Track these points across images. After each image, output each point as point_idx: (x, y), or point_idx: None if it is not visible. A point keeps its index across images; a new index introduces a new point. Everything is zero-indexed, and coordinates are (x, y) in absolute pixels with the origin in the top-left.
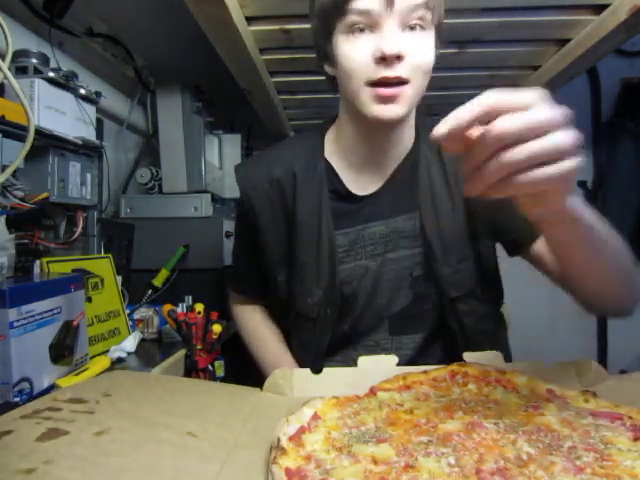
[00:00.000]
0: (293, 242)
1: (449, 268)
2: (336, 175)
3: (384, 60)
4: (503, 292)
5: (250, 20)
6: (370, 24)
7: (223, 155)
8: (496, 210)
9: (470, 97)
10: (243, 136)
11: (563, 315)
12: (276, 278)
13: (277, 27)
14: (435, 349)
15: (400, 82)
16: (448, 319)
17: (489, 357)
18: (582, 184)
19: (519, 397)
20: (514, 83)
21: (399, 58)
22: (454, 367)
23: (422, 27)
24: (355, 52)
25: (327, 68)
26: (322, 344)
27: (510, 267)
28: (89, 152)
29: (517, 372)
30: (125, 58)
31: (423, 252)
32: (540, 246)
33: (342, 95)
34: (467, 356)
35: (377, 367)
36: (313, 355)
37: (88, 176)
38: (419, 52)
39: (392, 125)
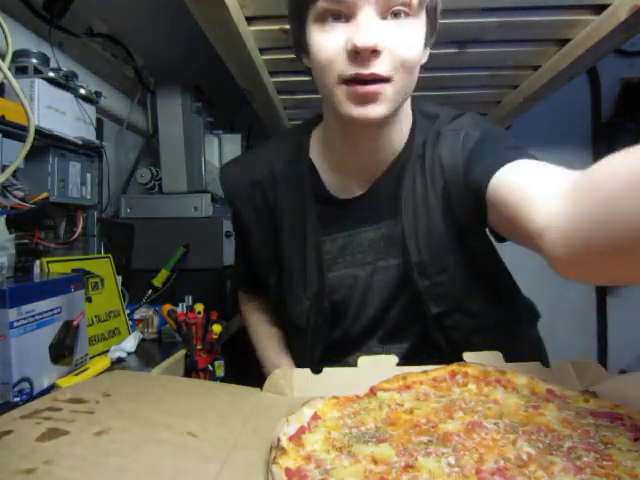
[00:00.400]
0: (280, 246)
1: (427, 280)
2: (320, 177)
3: (358, 54)
4: (513, 287)
5: (250, 20)
6: (344, 11)
7: (223, 155)
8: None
9: (470, 97)
10: (243, 136)
11: (562, 315)
12: (268, 280)
13: (277, 27)
14: (424, 358)
15: (379, 79)
16: (433, 334)
17: (489, 357)
18: None
19: (519, 397)
20: (514, 83)
21: (375, 52)
22: (454, 367)
23: (407, 14)
24: (327, 44)
25: (304, 60)
26: (315, 354)
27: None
28: (89, 152)
29: (517, 372)
30: (125, 58)
31: (403, 262)
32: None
33: (319, 91)
34: (467, 356)
35: (377, 367)
36: (307, 363)
37: (88, 176)
38: (403, 45)
39: (375, 126)
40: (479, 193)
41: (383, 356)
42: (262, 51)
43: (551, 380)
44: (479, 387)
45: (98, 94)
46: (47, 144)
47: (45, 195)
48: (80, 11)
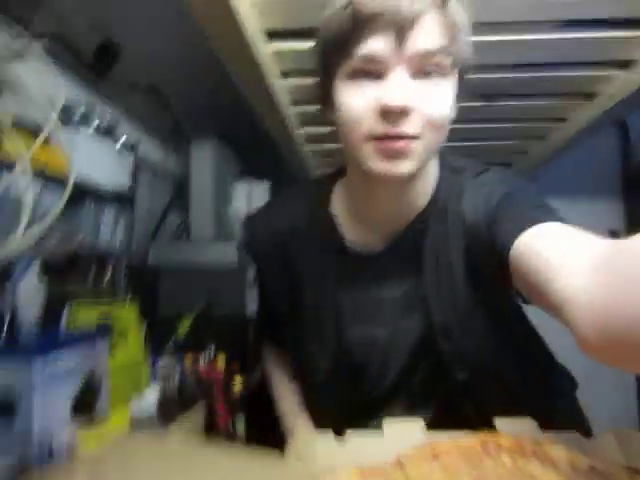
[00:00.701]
0: (297, 301)
1: (452, 344)
2: (340, 231)
3: (388, 113)
4: (546, 353)
5: (285, 74)
6: (376, 70)
7: (252, 202)
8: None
9: (495, 148)
10: (273, 181)
11: (599, 374)
12: (287, 333)
13: (310, 81)
14: (452, 426)
15: (408, 136)
16: (460, 402)
17: (523, 424)
18: (614, 233)
19: (558, 473)
20: (541, 134)
21: (405, 112)
22: (486, 436)
23: (440, 74)
24: (355, 102)
25: (328, 112)
26: (334, 415)
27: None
28: (122, 200)
29: (554, 444)
30: (163, 107)
31: (426, 324)
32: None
33: (344, 145)
34: (499, 423)
35: (403, 433)
36: (326, 424)
37: (120, 223)
38: (433, 105)
39: (401, 182)
40: (502, 257)
41: (410, 421)
42: (295, 104)
43: (591, 452)
44: (513, 459)
45: (136, 144)
46: (83, 192)
47: (78, 242)
48: (125, 64)
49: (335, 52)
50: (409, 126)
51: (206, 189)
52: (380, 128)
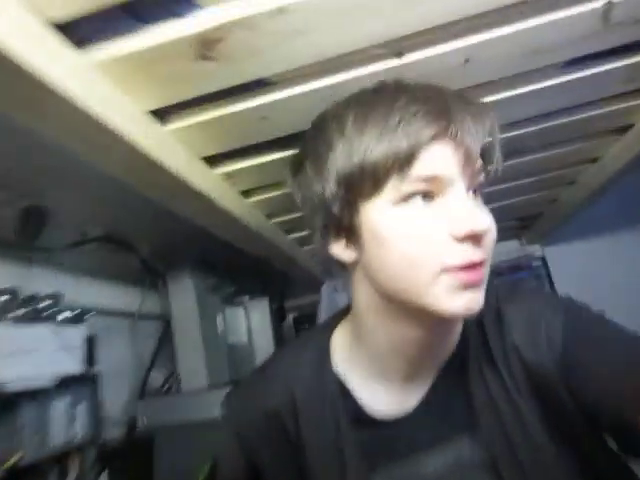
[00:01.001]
0: None
1: None
2: (353, 395)
3: (473, 239)
4: None
5: (246, 193)
6: (432, 190)
7: (251, 324)
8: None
9: (519, 203)
10: (272, 297)
11: None
12: None
13: (280, 192)
14: None
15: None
16: None
17: None
18: None
19: None
20: (571, 180)
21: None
22: None
23: (480, 188)
24: (424, 229)
25: (340, 250)
26: None
27: None
28: (79, 380)
29: None
30: (126, 251)
31: None
32: None
33: (379, 286)
34: None
35: None
36: None
37: (79, 409)
38: (492, 223)
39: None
40: (609, 412)
41: None
42: (270, 216)
43: None
44: None
45: (85, 312)
46: (15, 396)
47: (18, 457)
48: (67, 221)
49: (378, 176)
50: (485, 250)
51: (192, 332)
52: (461, 257)
